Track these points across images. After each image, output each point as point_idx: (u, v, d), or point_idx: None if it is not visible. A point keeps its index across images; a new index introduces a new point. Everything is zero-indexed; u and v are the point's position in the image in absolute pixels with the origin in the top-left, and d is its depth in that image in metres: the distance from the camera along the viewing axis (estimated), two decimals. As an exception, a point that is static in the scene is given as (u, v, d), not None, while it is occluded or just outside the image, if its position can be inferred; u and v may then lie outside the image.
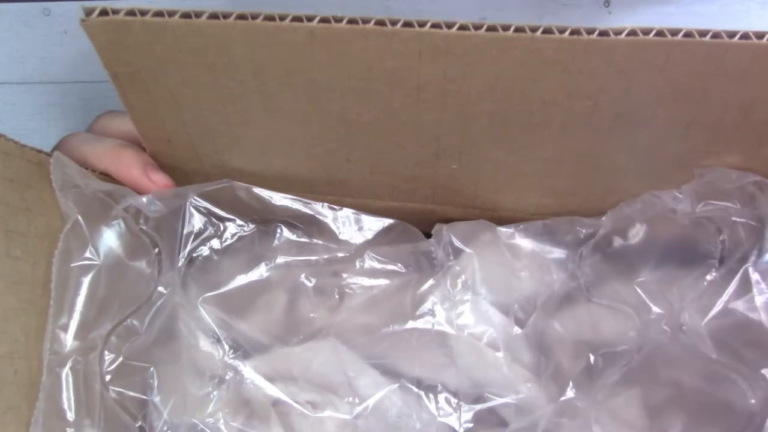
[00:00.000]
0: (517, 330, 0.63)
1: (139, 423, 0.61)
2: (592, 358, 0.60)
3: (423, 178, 0.61)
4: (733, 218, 0.57)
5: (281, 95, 0.52)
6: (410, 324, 0.63)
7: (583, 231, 0.63)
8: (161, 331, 0.62)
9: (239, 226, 0.65)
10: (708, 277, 0.59)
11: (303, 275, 0.64)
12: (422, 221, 0.66)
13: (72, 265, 0.58)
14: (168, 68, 0.51)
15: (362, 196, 0.65)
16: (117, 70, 0.51)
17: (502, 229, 0.63)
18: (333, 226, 0.64)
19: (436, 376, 0.63)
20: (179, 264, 0.62)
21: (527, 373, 0.62)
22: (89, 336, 0.59)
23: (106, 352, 0.60)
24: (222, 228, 0.65)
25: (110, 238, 0.60)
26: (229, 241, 0.65)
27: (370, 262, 0.64)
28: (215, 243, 0.65)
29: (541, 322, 0.62)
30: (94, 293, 0.59)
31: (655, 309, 0.59)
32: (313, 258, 0.65)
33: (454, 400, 0.62)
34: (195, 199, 0.62)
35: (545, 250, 0.64)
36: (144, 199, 0.60)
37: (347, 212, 0.64)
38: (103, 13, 0.46)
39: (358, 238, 0.65)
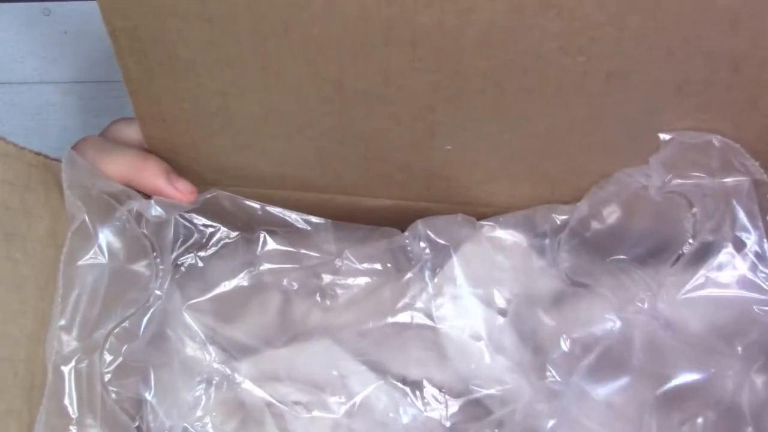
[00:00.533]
0: (499, 320, 0.63)
1: (137, 423, 0.61)
2: (568, 342, 0.59)
3: (417, 165, 0.61)
4: (703, 192, 0.58)
5: (278, 55, 0.53)
6: (390, 319, 0.63)
7: (560, 218, 0.63)
8: (155, 334, 0.62)
9: (224, 234, 0.66)
10: (683, 252, 0.59)
11: (286, 280, 0.65)
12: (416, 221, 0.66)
13: (78, 264, 0.58)
14: (166, 22, 0.51)
15: (356, 191, 0.65)
16: (116, 26, 0.52)
17: (482, 222, 0.64)
18: (314, 235, 0.66)
19: (421, 371, 0.63)
20: (169, 271, 0.63)
21: (510, 364, 0.61)
22: (93, 335, 0.58)
23: (106, 353, 0.59)
24: (207, 236, 0.66)
25: (114, 239, 0.60)
26: (213, 249, 0.66)
27: (348, 263, 0.65)
28: (200, 251, 0.66)
29: (523, 311, 0.62)
30: (98, 293, 0.59)
31: (632, 288, 0.59)
32: (296, 265, 0.65)
33: (440, 394, 0.62)
34: (183, 210, 0.63)
35: (523, 239, 0.64)
36: (146, 204, 0.61)
37: (327, 223, 0.65)
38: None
39: (338, 245, 0.66)
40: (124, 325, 0.60)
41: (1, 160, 0.54)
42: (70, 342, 0.57)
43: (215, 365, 0.63)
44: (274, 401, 0.62)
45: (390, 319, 0.63)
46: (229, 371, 0.63)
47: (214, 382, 0.63)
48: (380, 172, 0.62)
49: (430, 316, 0.63)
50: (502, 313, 0.63)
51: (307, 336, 0.64)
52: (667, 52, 0.51)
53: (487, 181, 0.62)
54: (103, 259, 0.59)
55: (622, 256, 0.61)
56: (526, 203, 0.64)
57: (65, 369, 0.56)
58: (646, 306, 0.58)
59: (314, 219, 0.65)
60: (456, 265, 0.63)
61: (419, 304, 0.63)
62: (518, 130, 0.57)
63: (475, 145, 0.59)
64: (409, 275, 0.64)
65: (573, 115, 0.56)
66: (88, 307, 0.58)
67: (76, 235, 0.58)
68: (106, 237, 0.60)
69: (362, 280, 0.65)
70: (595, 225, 0.62)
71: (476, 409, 0.61)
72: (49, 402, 0.55)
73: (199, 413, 0.61)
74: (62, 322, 0.57)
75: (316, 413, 0.62)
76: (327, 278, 0.65)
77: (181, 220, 0.64)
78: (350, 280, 0.65)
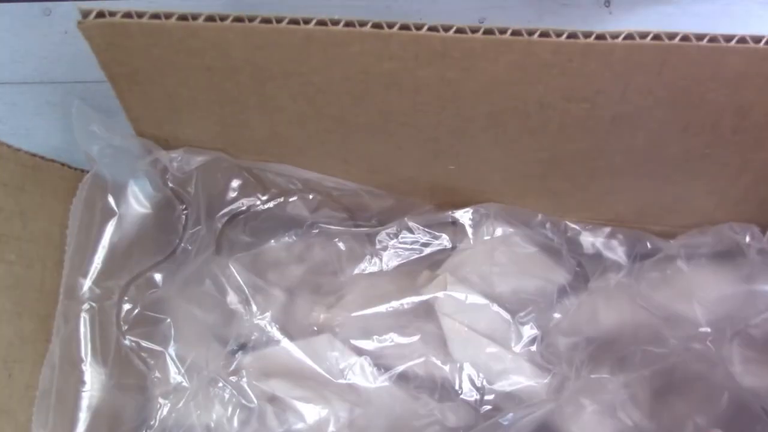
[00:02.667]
0: (504, 315, 0.63)
1: (156, 373, 0.61)
2: (588, 347, 0.61)
3: (421, 178, 0.61)
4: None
5: (279, 97, 0.52)
6: (395, 311, 0.63)
7: (650, 246, 0.64)
8: (184, 286, 0.61)
9: (280, 194, 0.65)
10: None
11: (336, 239, 0.64)
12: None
13: (92, 213, 0.59)
14: (165, 70, 0.51)
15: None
16: (114, 71, 0.51)
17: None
18: (370, 202, 0.65)
19: (435, 370, 0.63)
20: (218, 222, 0.62)
21: (527, 363, 0.62)
22: (106, 284, 0.59)
23: (126, 302, 0.60)
24: (263, 194, 0.64)
25: (134, 191, 0.61)
26: (269, 206, 0.65)
27: (404, 231, 0.64)
28: (256, 205, 0.65)
29: (545, 314, 0.63)
30: (113, 243, 0.60)
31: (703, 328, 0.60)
32: (348, 228, 0.65)
33: (477, 380, 0.62)
34: (241, 164, 0.62)
35: (530, 236, 0.64)
36: (172, 155, 0.60)
37: (385, 195, 0.64)
38: (100, 15, 0.46)
39: (390, 216, 0.65)
40: (146, 275, 0.61)
41: None
42: (82, 289, 0.58)
43: (256, 321, 0.62)
44: (277, 395, 0.61)
45: (395, 311, 0.63)
46: (270, 327, 0.62)
47: (252, 338, 0.62)
48: (384, 182, 0.62)
49: (434, 309, 0.62)
50: (507, 308, 0.63)
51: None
52: (672, 102, 0.50)
53: (491, 194, 0.62)
54: (116, 209, 0.60)
55: (704, 298, 0.61)
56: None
57: (78, 313, 0.58)
58: (716, 347, 0.59)
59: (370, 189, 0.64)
60: (462, 259, 0.63)
61: (424, 297, 0.63)
62: (522, 157, 0.57)
63: (478, 167, 0.59)
64: (428, 273, 0.64)
65: (577, 146, 0.55)
66: (102, 255, 0.59)
67: (91, 184, 0.59)
68: (124, 188, 0.61)
69: (413, 252, 0.64)
70: (682, 265, 0.62)
71: (508, 400, 0.62)
72: (60, 345, 0.56)
73: (233, 367, 0.61)
74: (74, 270, 0.58)
75: (319, 407, 0.62)
76: (380, 244, 0.64)
77: (238, 176, 0.63)
78: (401, 250, 0.64)
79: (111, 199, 0.60)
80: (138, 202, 0.61)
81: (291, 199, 0.64)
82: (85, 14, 0.47)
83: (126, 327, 0.60)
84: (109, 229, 0.59)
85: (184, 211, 0.62)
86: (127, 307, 0.61)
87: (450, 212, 0.63)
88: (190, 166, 0.60)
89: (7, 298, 0.55)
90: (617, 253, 0.64)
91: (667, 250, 0.63)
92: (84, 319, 0.58)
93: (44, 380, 0.56)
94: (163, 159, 0.60)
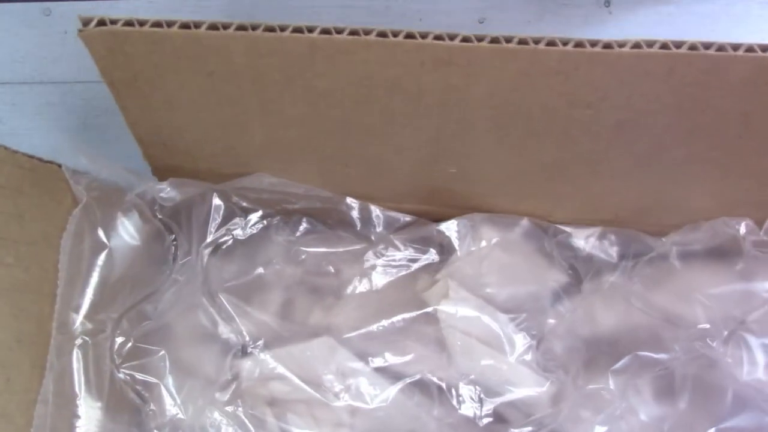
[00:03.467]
0: (505, 322, 0.62)
1: (151, 406, 0.60)
2: (586, 352, 0.61)
3: (421, 180, 0.61)
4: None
5: (280, 100, 0.52)
6: (395, 317, 0.62)
7: (642, 245, 0.63)
8: (176, 317, 0.61)
9: (263, 217, 0.65)
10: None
11: (324, 262, 0.64)
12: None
13: (82, 247, 0.58)
14: (165, 74, 0.50)
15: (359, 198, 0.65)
16: (113, 77, 0.51)
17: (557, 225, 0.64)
18: (354, 220, 0.64)
19: (423, 370, 0.62)
20: (203, 253, 0.62)
21: (526, 371, 0.62)
22: (98, 317, 0.59)
23: (118, 335, 0.60)
24: (246, 218, 0.64)
25: (123, 223, 0.61)
26: (252, 231, 0.64)
27: (391, 249, 0.64)
28: (238, 233, 0.64)
29: (540, 320, 0.63)
30: (104, 276, 0.59)
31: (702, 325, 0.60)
32: (333, 250, 0.64)
33: (475, 394, 0.61)
34: (220, 190, 0.62)
35: (530, 241, 0.64)
36: (159, 187, 0.60)
37: (370, 207, 0.64)
38: (101, 23, 0.46)
39: (376, 232, 0.65)
40: (137, 308, 0.61)
41: None
42: (75, 324, 0.58)
43: (249, 349, 0.62)
44: (276, 399, 0.62)
45: (395, 317, 0.62)
46: (262, 356, 0.61)
47: (246, 366, 0.61)
48: (384, 185, 0.62)
49: (435, 315, 0.62)
50: (508, 313, 0.63)
51: (313, 332, 0.64)
52: (677, 108, 0.50)
53: (491, 196, 0.62)
54: (107, 243, 0.59)
55: (700, 296, 0.61)
56: (528, 213, 0.64)
57: (71, 348, 0.57)
58: (714, 345, 0.59)
59: (354, 201, 0.64)
60: (461, 265, 0.63)
61: (425, 303, 0.63)
62: (524, 160, 0.57)
63: (479, 168, 0.58)
64: (428, 277, 0.64)
65: (580, 149, 0.55)
66: (93, 290, 0.59)
67: (81, 219, 0.58)
68: (113, 221, 0.60)
69: (401, 269, 0.64)
70: (676, 263, 0.62)
71: (510, 410, 0.61)
72: (54, 384, 0.56)
73: (228, 397, 0.61)
74: (66, 305, 0.57)
75: (318, 412, 0.62)
76: (368, 263, 0.64)
77: (221, 201, 0.62)
78: (389, 268, 0.64)
79: (101, 233, 0.59)
80: (128, 234, 0.61)
81: (274, 222, 0.64)
82: (86, 22, 0.46)
83: (119, 360, 0.60)
84: (100, 262, 0.59)
85: (174, 242, 0.62)
86: (120, 340, 0.60)
87: (435, 225, 0.63)
88: (177, 197, 0.60)
89: (4, 301, 0.54)
90: (609, 253, 0.64)
91: (660, 248, 0.63)
92: (77, 354, 0.58)
93: (39, 417, 0.55)
94: (151, 190, 0.60)
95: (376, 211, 0.64)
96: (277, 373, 0.61)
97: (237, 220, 0.64)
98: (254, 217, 0.64)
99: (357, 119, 0.53)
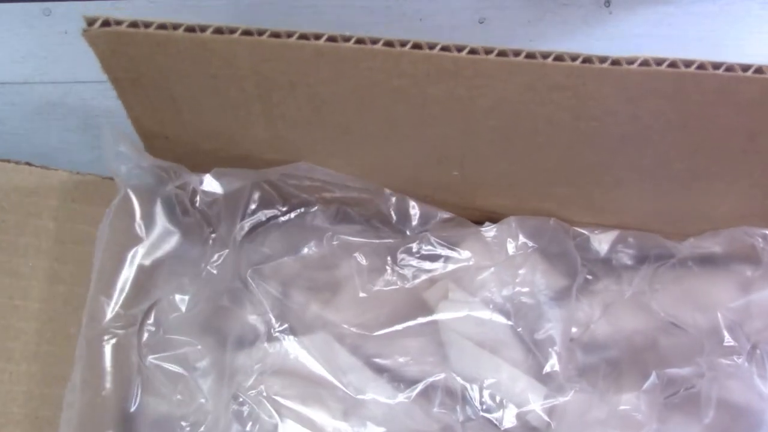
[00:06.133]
0: (506, 326, 0.61)
1: (178, 395, 0.60)
2: (609, 363, 0.61)
3: (423, 181, 0.60)
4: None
5: (284, 105, 0.52)
6: (397, 318, 0.62)
7: (661, 250, 0.63)
8: (207, 306, 0.61)
9: (300, 204, 0.64)
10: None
11: (357, 254, 0.62)
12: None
13: (118, 239, 0.58)
14: (169, 75, 0.50)
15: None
16: (117, 75, 0.50)
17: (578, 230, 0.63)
18: (391, 212, 0.63)
19: (421, 372, 0.62)
20: (238, 237, 0.61)
21: (524, 372, 0.61)
22: (130, 312, 0.58)
23: (149, 326, 0.59)
24: (284, 206, 0.63)
25: (161, 214, 0.60)
26: (289, 218, 0.64)
27: (427, 245, 0.63)
28: (275, 219, 0.64)
29: (530, 316, 0.62)
30: (140, 267, 0.59)
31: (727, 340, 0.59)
32: (369, 241, 0.63)
33: (498, 398, 0.60)
34: (260, 179, 0.61)
35: (534, 246, 0.63)
36: (201, 179, 0.59)
37: (408, 201, 0.63)
38: (105, 23, 0.45)
39: (411, 226, 0.64)
40: (169, 298, 0.60)
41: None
42: (105, 315, 0.57)
43: (275, 333, 0.61)
44: (272, 395, 0.60)
45: (396, 318, 0.61)
46: (288, 341, 0.61)
47: (271, 351, 0.61)
48: (384, 183, 0.61)
49: (435, 317, 0.62)
50: (510, 317, 0.62)
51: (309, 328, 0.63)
52: (683, 125, 0.50)
53: (493, 197, 0.62)
54: (143, 235, 0.59)
55: (722, 307, 0.61)
56: (531, 215, 0.64)
57: (100, 340, 0.57)
58: (740, 361, 0.58)
59: (394, 194, 0.63)
60: (463, 267, 0.63)
61: (427, 303, 0.62)
62: (527, 168, 0.57)
63: (483, 175, 0.58)
64: (439, 282, 0.63)
65: (584, 161, 0.55)
66: (126, 281, 0.58)
67: (119, 209, 0.58)
68: (151, 212, 0.60)
69: (437, 264, 0.63)
70: (697, 271, 0.62)
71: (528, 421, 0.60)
72: (83, 372, 0.56)
73: (251, 381, 0.60)
74: (99, 295, 0.57)
75: (318, 407, 0.61)
76: (400, 257, 0.63)
77: (258, 190, 0.62)
78: (426, 264, 0.63)
79: (138, 224, 0.59)
80: (165, 227, 0.60)
81: (312, 210, 0.63)
82: (90, 22, 0.45)
83: (147, 351, 0.59)
84: (137, 253, 0.58)
85: (212, 234, 0.61)
86: (149, 330, 0.60)
87: (474, 228, 0.62)
88: (219, 188, 0.60)
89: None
90: (628, 257, 0.64)
91: (680, 254, 0.62)
92: (107, 344, 0.57)
93: (68, 405, 0.56)
94: (192, 182, 0.59)
95: (413, 205, 0.63)
96: (301, 360, 0.60)
97: (275, 207, 0.63)
98: (292, 204, 0.63)
99: (360, 126, 0.53)
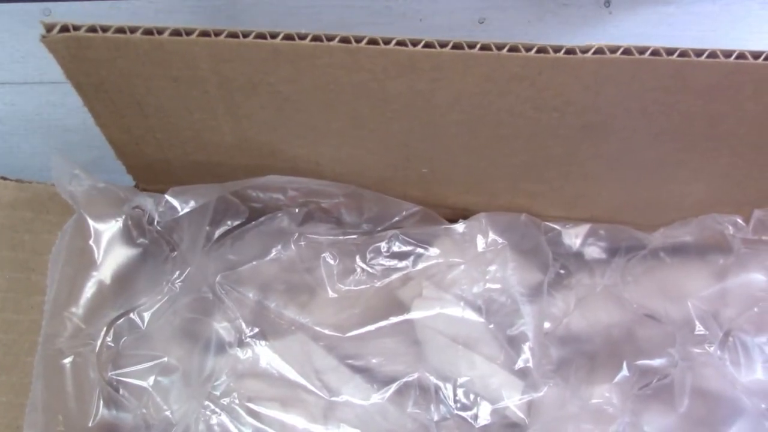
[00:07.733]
0: (480, 322, 0.62)
1: (142, 410, 0.60)
2: (581, 356, 0.61)
3: (394, 180, 0.61)
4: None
5: (247, 105, 0.52)
6: (373, 317, 0.62)
7: (633, 241, 0.63)
8: (174, 320, 0.61)
9: (265, 211, 0.63)
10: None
11: (326, 254, 0.62)
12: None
13: (73, 260, 0.58)
14: (131, 80, 0.50)
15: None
16: (79, 81, 0.50)
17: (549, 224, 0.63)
18: (360, 210, 0.64)
19: (398, 370, 0.62)
20: (205, 246, 0.61)
21: (499, 368, 0.61)
22: (87, 328, 0.59)
23: (109, 343, 0.59)
24: (249, 214, 0.63)
25: (117, 236, 0.60)
26: (254, 224, 0.63)
27: (396, 243, 0.63)
28: (239, 227, 0.63)
29: (504, 312, 0.62)
30: (97, 287, 0.59)
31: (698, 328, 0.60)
32: (337, 238, 0.63)
33: (472, 395, 0.60)
34: (223, 192, 0.61)
35: (506, 240, 0.63)
36: (153, 200, 0.60)
37: (373, 195, 0.63)
38: (64, 29, 0.46)
39: (381, 221, 0.64)
40: (129, 317, 0.60)
41: None
42: (63, 333, 0.58)
43: (245, 339, 0.61)
44: (250, 397, 0.60)
45: (370, 317, 0.62)
46: (259, 346, 0.61)
47: (242, 357, 0.60)
48: (357, 184, 0.62)
49: (409, 315, 0.62)
50: (483, 314, 0.62)
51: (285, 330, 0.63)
52: (643, 112, 0.50)
53: (465, 194, 0.62)
54: (97, 255, 0.59)
55: (693, 297, 0.61)
56: (504, 211, 0.64)
57: (59, 357, 0.57)
58: (712, 350, 0.59)
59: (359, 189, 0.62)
60: (435, 264, 0.63)
61: (402, 302, 0.62)
62: (494, 162, 0.57)
63: (451, 170, 0.58)
64: (409, 279, 0.63)
65: (549, 152, 0.55)
66: (83, 300, 0.59)
67: (73, 231, 0.58)
68: (105, 233, 0.60)
69: (406, 262, 0.63)
70: (668, 261, 0.62)
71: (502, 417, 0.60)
72: (42, 392, 0.56)
73: (222, 390, 0.60)
74: (55, 315, 0.57)
75: (292, 411, 0.61)
76: (369, 256, 0.63)
77: (223, 201, 0.61)
78: (395, 262, 0.63)
79: (93, 245, 0.59)
80: (121, 246, 0.60)
81: (278, 214, 0.63)
82: (49, 28, 0.46)
83: (109, 366, 0.59)
84: (93, 274, 0.58)
85: (172, 253, 0.61)
86: (109, 347, 0.60)
87: (444, 224, 0.62)
88: (178, 207, 0.59)
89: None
90: (600, 250, 0.64)
91: (651, 245, 0.63)
92: (65, 363, 0.57)
93: (29, 425, 0.56)
94: (147, 204, 0.59)
95: (379, 199, 0.63)
96: (274, 364, 0.60)
97: (240, 215, 0.63)
98: (258, 211, 0.63)
99: (325, 124, 0.53)
